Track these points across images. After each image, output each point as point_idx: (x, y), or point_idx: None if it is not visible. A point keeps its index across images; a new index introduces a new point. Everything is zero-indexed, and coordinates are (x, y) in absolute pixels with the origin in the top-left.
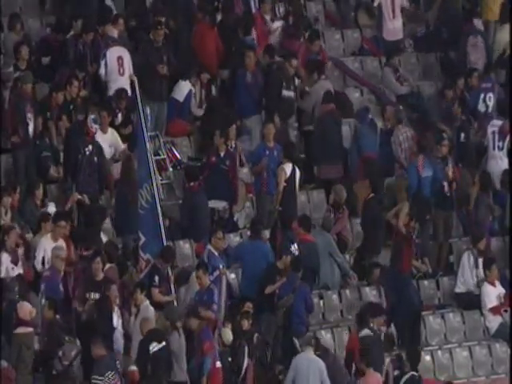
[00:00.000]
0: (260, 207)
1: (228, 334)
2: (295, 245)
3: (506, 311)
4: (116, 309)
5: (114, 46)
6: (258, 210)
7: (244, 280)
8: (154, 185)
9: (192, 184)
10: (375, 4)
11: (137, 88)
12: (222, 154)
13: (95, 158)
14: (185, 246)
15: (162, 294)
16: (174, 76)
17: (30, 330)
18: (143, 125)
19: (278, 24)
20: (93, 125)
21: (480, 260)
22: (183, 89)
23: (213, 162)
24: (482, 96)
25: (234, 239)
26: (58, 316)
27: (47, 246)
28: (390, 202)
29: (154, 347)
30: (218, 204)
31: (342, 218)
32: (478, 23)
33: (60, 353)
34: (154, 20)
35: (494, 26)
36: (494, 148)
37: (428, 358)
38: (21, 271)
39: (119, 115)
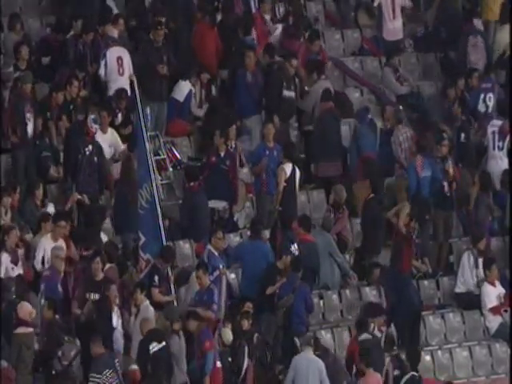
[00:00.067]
0: (260, 207)
1: (228, 334)
2: (295, 245)
3: (506, 311)
4: (116, 309)
5: (113, 46)
6: (258, 210)
7: (244, 280)
8: (154, 185)
9: (192, 184)
10: (375, 4)
11: (136, 88)
12: (222, 154)
13: (95, 158)
14: (185, 246)
15: (162, 294)
16: (174, 76)
17: (30, 330)
18: (142, 125)
19: (278, 28)
20: (93, 125)
21: (480, 260)
22: (183, 89)
23: (213, 162)
24: (482, 96)
25: (234, 239)
26: (57, 316)
27: (47, 246)
28: (390, 202)
29: (154, 347)
30: (218, 204)
31: (342, 218)
32: (477, 23)
33: (59, 353)
34: (153, 20)
35: (494, 26)
36: (493, 148)
37: (428, 357)
38: (21, 271)
39: (119, 115)
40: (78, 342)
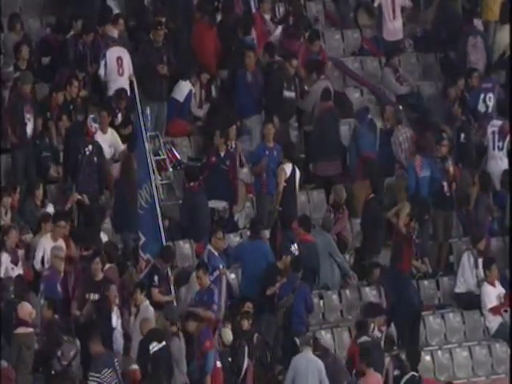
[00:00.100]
0: (260, 207)
1: (228, 334)
2: (295, 245)
3: (506, 311)
4: (115, 309)
5: (113, 47)
6: (258, 210)
7: (244, 280)
8: (153, 185)
9: (192, 184)
10: (375, 4)
11: (135, 88)
12: (222, 154)
13: (95, 158)
14: (185, 246)
15: (162, 294)
16: (174, 76)
17: (30, 330)
18: (142, 125)
19: (278, 28)
20: (92, 124)
21: (480, 260)
22: (183, 89)
23: (213, 162)
24: (482, 96)
25: (234, 239)
26: (56, 316)
27: (47, 246)
28: (389, 202)
29: (154, 347)
30: (218, 204)
31: (342, 218)
32: (477, 23)
33: (59, 353)
34: (154, 20)
35: (494, 26)
36: (493, 148)
37: (428, 358)
38: (21, 271)
39: (119, 115)
40: (77, 342)
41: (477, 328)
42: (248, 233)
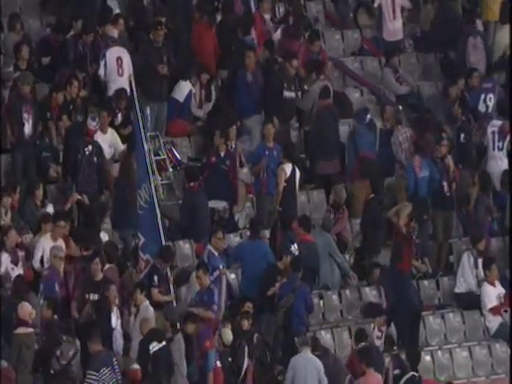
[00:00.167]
0: (260, 207)
1: (228, 335)
2: (295, 245)
3: (506, 311)
4: (115, 309)
5: (113, 47)
6: (258, 211)
7: (244, 280)
8: (153, 185)
9: (192, 184)
10: (375, 4)
11: (134, 89)
12: (222, 155)
13: (95, 158)
14: (185, 246)
15: (162, 294)
16: (174, 76)
17: (30, 330)
18: (140, 126)
19: (278, 30)
20: (91, 122)
21: (480, 260)
22: (183, 89)
23: (213, 163)
24: (482, 96)
25: (234, 239)
26: (56, 316)
27: (46, 246)
28: (390, 202)
29: (154, 347)
30: (218, 204)
31: (342, 218)
32: (477, 23)
33: (58, 352)
34: (154, 20)
35: (494, 27)
36: (493, 148)
37: (428, 358)
38: (21, 271)
39: (119, 115)
40: (77, 341)
41: (477, 328)
42: (248, 233)
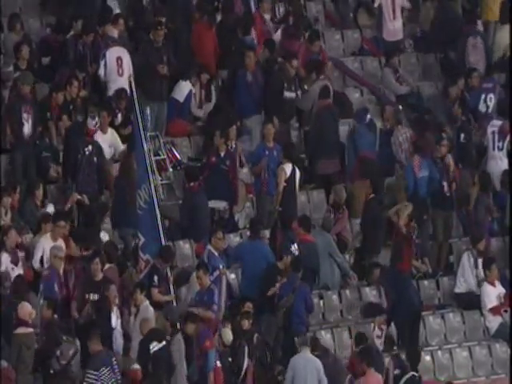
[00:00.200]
0: (260, 207)
1: (228, 335)
2: (295, 245)
3: (506, 311)
4: (115, 309)
5: (113, 47)
6: (258, 210)
7: (244, 280)
8: (152, 185)
9: (192, 184)
10: (375, 5)
11: (134, 89)
12: (222, 155)
13: (94, 158)
14: (185, 246)
15: (162, 293)
16: (174, 76)
17: (30, 330)
18: (140, 126)
19: (277, 33)
20: (91, 121)
21: (480, 260)
22: (183, 89)
23: (213, 163)
24: (483, 96)
25: (234, 239)
26: (56, 316)
27: (46, 246)
28: (390, 202)
29: (155, 347)
30: (218, 204)
31: (342, 218)
32: (477, 23)
33: (58, 352)
34: (154, 20)
35: (494, 27)
36: (493, 148)
37: (428, 358)
38: (21, 271)
39: (119, 115)
40: (77, 341)
41: (477, 328)
42: (248, 233)
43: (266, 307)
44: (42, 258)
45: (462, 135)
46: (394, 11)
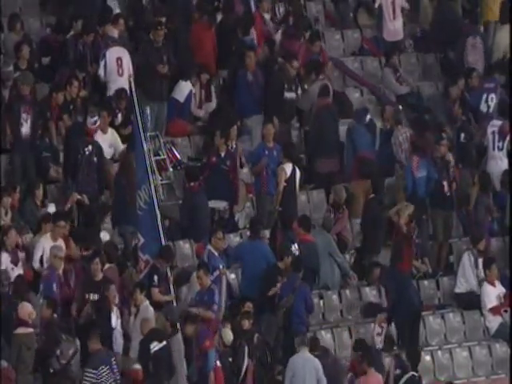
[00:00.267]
0: (260, 207)
1: (228, 335)
2: (295, 245)
3: (506, 311)
4: (115, 309)
5: (113, 47)
6: (258, 210)
7: (244, 280)
8: (152, 186)
9: (192, 184)
10: (376, 5)
11: (133, 89)
12: (222, 155)
13: (94, 158)
14: (185, 246)
15: (162, 293)
16: (174, 76)
17: (30, 330)
18: (140, 126)
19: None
20: (90, 120)
21: (480, 260)
22: (184, 89)
23: (213, 163)
24: (484, 96)
25: (234, 239)
26: (56, 315)
27: (46, 246)
28: (390, 202)
29: (155, 346)
30: (219, 204)
31: (342, 218)
32: (477, 23)
33: (58, 351)
34: (154, 20)
35: (494, 27)
36: (493, 148)
37: (428, 358)
38: (21, 271)
39: (119, 115)
40: (77, 341)
41: (477, 328)
42: (248, 233)
43: (266, 307)
44: (41, 257)
45: (462, 135)
46: (394, 11)
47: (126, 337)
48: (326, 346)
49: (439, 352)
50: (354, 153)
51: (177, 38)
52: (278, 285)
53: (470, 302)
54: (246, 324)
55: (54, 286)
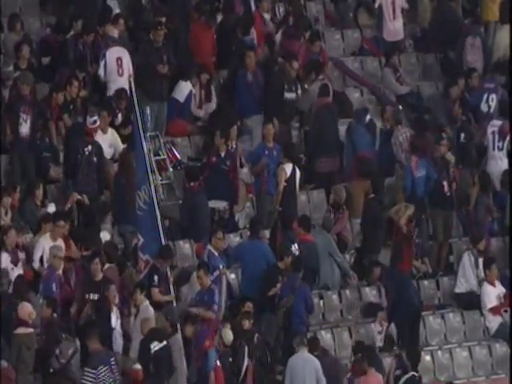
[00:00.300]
0: (260, 207)
1: (228, 335)
2: (295, 245)
3: (506, 311)
4: (115, 309)
5: (113, 47)
6: (258, 210)
7: (244, 280)
8: (152, 186)
9: (192, 184)
10: (376, 5)
11: (133, 89)
12: (222, 155)
13: (94, 159)
14: (185, 246)
15: (162, 293)
16: (174, 76)
17: (31, 330)
18: (140, 126)
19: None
20: (89, 119)
21: (480, 260)
22: (184, 89)
23: (213, 163)
24: (485, 96)
25: (234, 239)
26: (56, 315)
27: (46, 246)
28: (390, 202)
29: (155, 346)
30: (219, 204)
31: (342, 218)
32: (477, 23)
33: (57, 351)
34: (154, 20)
35: (494, 27)
36: (493, 148)
37: (428, 358)
38: (21, 271)
39: (119, 115)
40: (77, 341)
41: (477, 328)
42: (248, 233)
43: (266, 307)
44: (41, 257)
45: (462, 135)
46: (394, 11)
47: (126, 337)
48: (325, 347)
49: (439, 352)
50: (353, 152)
51: (177, 38)
52: (278, 285)
53: (470, 301)
54: (246, 324)
55: (54, 285)
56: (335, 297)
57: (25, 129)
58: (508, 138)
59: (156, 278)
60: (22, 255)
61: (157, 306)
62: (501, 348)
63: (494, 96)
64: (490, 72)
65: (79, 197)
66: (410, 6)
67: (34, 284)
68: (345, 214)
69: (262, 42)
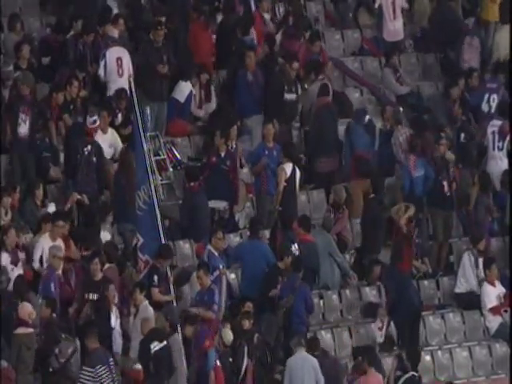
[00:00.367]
0: (260, 207)
1: (228, 335)
2: (296, 245)
3: (506, 311)
4: (114, 309)
5: (113, 47)
6: (258, 210)
7: (244, 280)
8: (152, 186)
9: (192, 184)
10: (376, 5)
11: (133, 90)
12: (222, 155)
13: (94, 159)
14: (185, 246)
15: (162, 293)
16: (174, 76)
17: (31, 330)
18: (140, 126)
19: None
20: (89, 119)
21: (480, 260)
22: (184, 89)
23: (213, 163)
24: (486, 96)
25: (234, 239)
26: (55, 315)
27: (45, 246)
28: (389, 202)
29: (155, 346)
30: (219, 204)
31: (342, 218)
32: (477, 23)
33: (56, 350)
34: (153, 20)
35: (494, 27)
36: (493, 148)
37: (428, 358)
38: (21, 271)
39: (119, 115)
40: (77, 340)
41: (477, 328)
42: (248, 233)
43: (266, 307)
44: (41, 257)
45: (462, 135)
46: (394, 11)
47: (126, 337)
48: (325, 347)
49: (439, 352)
50: (351, 152)
51: (177, 38)
52: (279, 286)
53: (470, 301)
54: (246, 324)
55: (53, 285)
56: (335, 297)
57: (23, 129)
58: (508, 138)
59: (156, 277)
60: (21, 255)
61: (157, 305)
62: (501, 348)
63: (495, 96)
64: (490, 72)
65: (79, 197)
66: (408, 6)
67: (33, 284)
68: (345, 214)
69: (262, 42)
